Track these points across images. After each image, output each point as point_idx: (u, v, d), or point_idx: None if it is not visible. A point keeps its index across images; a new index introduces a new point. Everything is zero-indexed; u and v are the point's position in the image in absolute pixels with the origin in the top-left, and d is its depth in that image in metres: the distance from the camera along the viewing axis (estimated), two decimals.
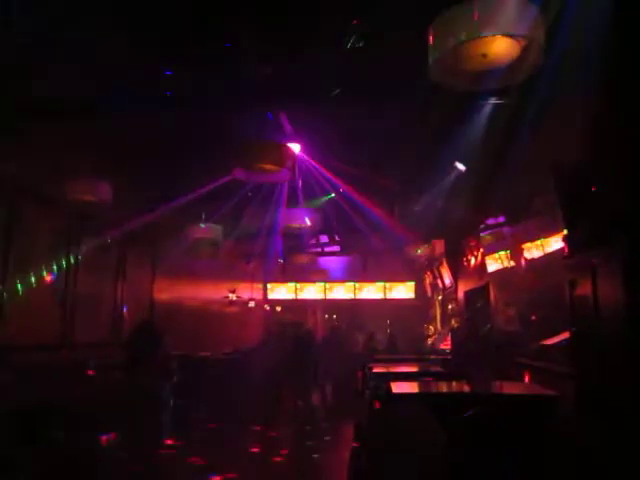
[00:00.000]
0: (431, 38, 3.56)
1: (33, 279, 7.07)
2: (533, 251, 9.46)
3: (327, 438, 8.19)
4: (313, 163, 8.80)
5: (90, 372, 7.20)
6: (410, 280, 18.31)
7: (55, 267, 7.60)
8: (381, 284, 18.50)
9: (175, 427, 7.38)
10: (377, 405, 4.60)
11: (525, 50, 3.54)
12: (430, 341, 15.26)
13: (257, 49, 5.31)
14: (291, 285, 18.95)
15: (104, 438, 6.36)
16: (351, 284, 18.68)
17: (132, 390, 6.53)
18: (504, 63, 3.67)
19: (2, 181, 6.43)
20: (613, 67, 3.98)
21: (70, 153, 6.99)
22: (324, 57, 5.51)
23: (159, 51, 5.36)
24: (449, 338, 13.03)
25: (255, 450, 7.37)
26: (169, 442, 7.17)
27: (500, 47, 3.52)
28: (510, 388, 4.88)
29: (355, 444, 5.09)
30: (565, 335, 5.82)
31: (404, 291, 18.55)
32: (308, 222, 9.44)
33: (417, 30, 3.89)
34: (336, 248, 17.81)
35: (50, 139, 6.60)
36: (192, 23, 5.01)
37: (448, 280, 14.45)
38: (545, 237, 8.90)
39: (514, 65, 3.68)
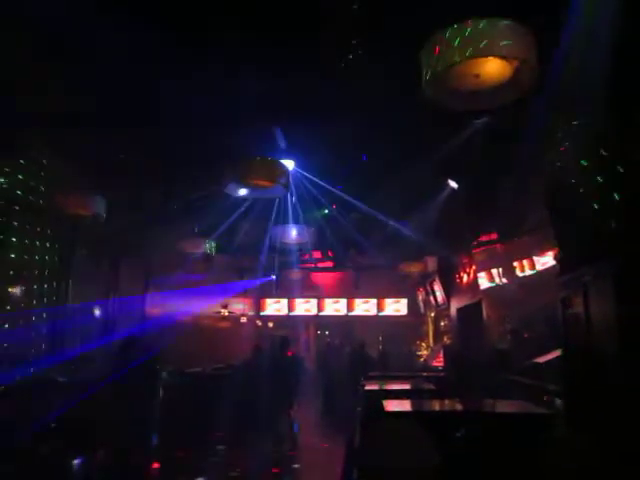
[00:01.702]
0: (425, 58, 3.61)
1: (26, 291, 7.03)
2: (525, 268, 9.51)
3: (319, 456, 8.10)
4: (307, 179, 8.83)
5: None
6: (403, 297, 18.30)
7: (47, 280, 7.55)
8: (374, 300, 18.47)
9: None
10: (369, 423, 4.57)
11: (518, 71, 3.60)
12: (422, 358, 15.22)
13: (254, 67, 5.36)
14: (283, 301, 18.87)
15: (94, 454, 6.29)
16: (344, 300, 18.63)
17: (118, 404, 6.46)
18: (497, 83, 3.73)
19: None
20: (608, 90, 4.04)
21: (66, 168, 6.99)
22: (320, 75, 5.57)
23: (155, 67, 5.39)
24: (441, 355, 13.00)
25: (241, 469, 7.26)
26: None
27: (493, 68, 3.58)
28: (503, 406, 4.86)
29: (346, 462, 5.04)
30: (557, 352, 5.82)
31: (397, 308, 18.53)
32: (301, 238, 9.44)
33: (412, 50, 3.94)
34: (329, 264, 17.80)
35: (46, 154, 6.61)
36: (189, 39, 5.06)
37: (441, 297, 14.46)
38: (537, 254, 8.96)
39: (507, 85, 3.74)
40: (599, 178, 4.40)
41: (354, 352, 12.67)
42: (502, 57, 3.45)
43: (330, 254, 16.70)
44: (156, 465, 6.99)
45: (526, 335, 8.64)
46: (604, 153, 4.24)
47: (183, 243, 10.20)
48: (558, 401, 5.28)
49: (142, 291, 10.59)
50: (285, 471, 7.21)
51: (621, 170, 3.94)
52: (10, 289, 6.76)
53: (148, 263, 10.72)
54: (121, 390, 6.49)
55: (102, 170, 7.24)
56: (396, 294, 18.28)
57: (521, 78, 3.58)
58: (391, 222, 11.12)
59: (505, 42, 3.31)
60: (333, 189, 8.97)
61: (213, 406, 8.23)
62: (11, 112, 5.63)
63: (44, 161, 6.73)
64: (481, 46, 3.32)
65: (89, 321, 8.64)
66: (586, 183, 4.69)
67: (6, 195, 6.60)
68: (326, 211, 10.74)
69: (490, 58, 3.47)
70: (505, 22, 3.35)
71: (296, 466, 7.54)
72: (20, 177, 6.68)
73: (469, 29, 3.31)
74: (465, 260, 12.51)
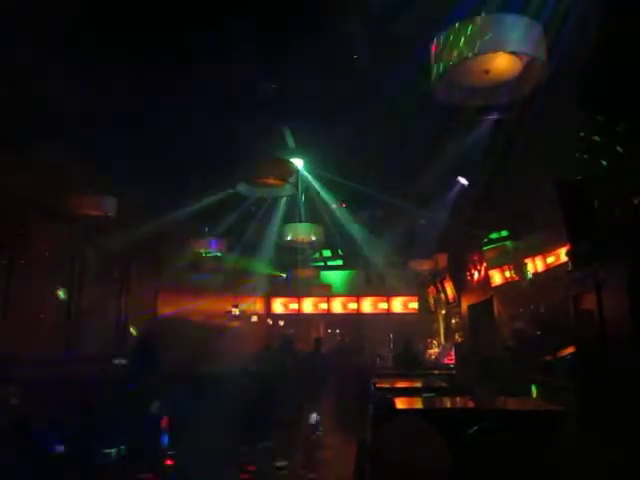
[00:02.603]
0: (433, 54, 3.59)
1: (38, 293, 7.10)
2: (537, 265, 9.46)
3: (331, 453, 8.11)
4: (316, 178, 8.84)
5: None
6: (413, 294, 18.26)
7: (60, 281, 7.62)
8: (384, 298, 18.45)
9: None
10: (381, 421, 4.58)
11: (527, 66, 3.57)
12: (433, 356, 15.19)
13: (259, 67, 5.38)
14: (294, 299, 18.91)
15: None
16: (354, 298, 18.62)
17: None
18: (506, 79, 3.71)
19: (9, 196, 6.48)
20: (612, 82, 4.01)
21: (76, 168, 7.04)
22: (325, 74, 5.57)
23: (163, 67, 5.42)
24: (453, 353, 12.95)
25: (253, 468, 7.27)
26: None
27: (502, 63, 3.55)
28: (515, 404, 4.85)
29: (359, 460, 5.05)
30: (570, 350, 5.79)
31: (407, 305, 18.50)
32: (311, 236, 9.44)
33: (419, 46, 3.93)
34: (339, 262, 17.79)
35: (56, 155, 6.66)
36: (196, 40, 5.08)
37: (451, 294, 14.42)
38: (548, 251, 8.90)
39: (516, 81, 3.71)
40: (611, 174, 4.37)
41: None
42: (512, 53, 3.43)
43: (340, 252, 16.70)
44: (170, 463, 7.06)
45: (538, 332, 8.59)
46: (619, 149, 4.21)
47: (194, 243, 10.24)
48: (571, 398, 5.26)
49: (153, 291, 10.64)
50: (300, 469, 7.23)
51: (633, 165, 3.91)
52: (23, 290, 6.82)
53: (159, 264, 10.77)
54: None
55: (114, 171, 7.29)
56: (406, 292, 18.24)
57: (531, 73, 3.56)
58: (402, 219, 11.10)
59: (515, 37, 3.29)
60: (343, 187, 8.95)
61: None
62: (25, 112, 5.69)
63: (57, 161, 6.78)
64: (491, 42, 3.30)
65: (101, 322, 8.70)
66: (598, 179, 4.66)
67: (19, 195, 6.66)
68: (336, 209, 10.73)
69: (500, 54, 3.45)
70: (515, 17, 3.33)
71: (310, 463, 7.55)
72: (33, 177, 6.74)
73: (478, 24, 3.30)
74: (476, 257, 12.46)
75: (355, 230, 11.69)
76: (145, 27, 4.90)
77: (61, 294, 7.78)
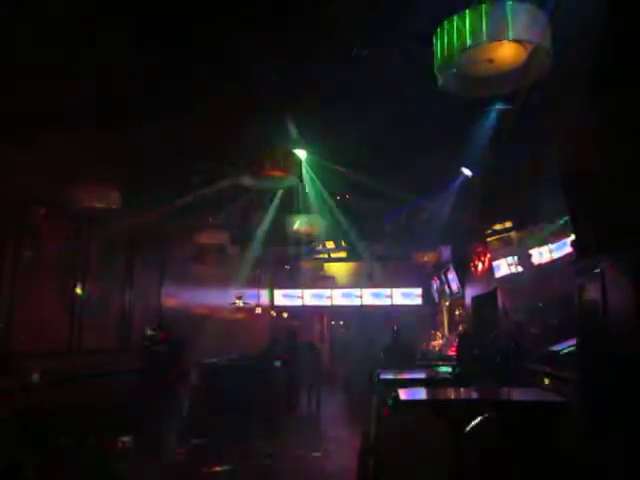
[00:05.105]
0: (437, 44, 3.56)
1: (42, 286, 7.11)
2: (541, 256, 9.43)
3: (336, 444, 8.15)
4: (320, 168, 8.79)
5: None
6: (417, 286, 18.27)
7: (63, 274, 7.63)
8: (388, 290, 18.45)
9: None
10: (385, 412, 4.58)
11: (532, 55, 3.54)
12: (437, 347, 15.22)
13: (261, 58, 5.33)
14: (298, 291, 18.94)
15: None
16: (358, 290, 18.64)
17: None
18: (511, 68, 3.67)
19: (12, 189, 6.49)
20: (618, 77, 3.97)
21: (79, 160, 7.03)
22: (329, 63, 5.52)
23: (164, 59, 5.39)
24: (456, 344, 12.95)
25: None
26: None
27: (506, 52, 3.52)
28: (519, 395, 4.85)
29: (363, 450, 5.06)
30: (574, 340, 5.78)
31: (411, 297, 18.50)
32: (315, 228, 9.43)
33: (423, 36, 3.89)
34: (343, 254, 17.79)
35: (60, 146, 6.65)
36: (195, 31, 5.04)
37: (455, 285, 14.41)
38: (552, 242, 8.87)
39: (521, 70, 3.68)
40: (616, 164, 4.34)
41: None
42: (517, 41, 3.39)
43: (344, 244, 16.68)
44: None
45: (542, 323, 8.59)
46: (619, 139, 4.18)
47: (198, 235, 10.25)
48: (574, 389, 5.26)
49: (158, 284, 10.65)
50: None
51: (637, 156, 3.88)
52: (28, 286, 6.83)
53: (163, 255, 10.78)
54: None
55: (117, 162, 7.28)
56: (411, 284, 18.25)
57: (536, 62, 3.52)
58: (406, 211, 11.08)
59: (520, 25, 3.25)
60: (347, 178, 8.90)
61: None
62: (27, 107, 5.68)
63: (59, 154, 6.77)
64: (495, 30, 3.27)
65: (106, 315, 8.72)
66: (602, 170, 4.62)
67: (22, 190, 6.67)
68: (340, 200, 10.69)
69: (504, 42, 3.41)
70: (519, 5, 3.29)
71: (316, 455, 7.59)
72: (36, 172, 6.75)
73: (482, 13, 3.26)
74: (479, 249, 12.44)
75: (358, 221, 11.65)
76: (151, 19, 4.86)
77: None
